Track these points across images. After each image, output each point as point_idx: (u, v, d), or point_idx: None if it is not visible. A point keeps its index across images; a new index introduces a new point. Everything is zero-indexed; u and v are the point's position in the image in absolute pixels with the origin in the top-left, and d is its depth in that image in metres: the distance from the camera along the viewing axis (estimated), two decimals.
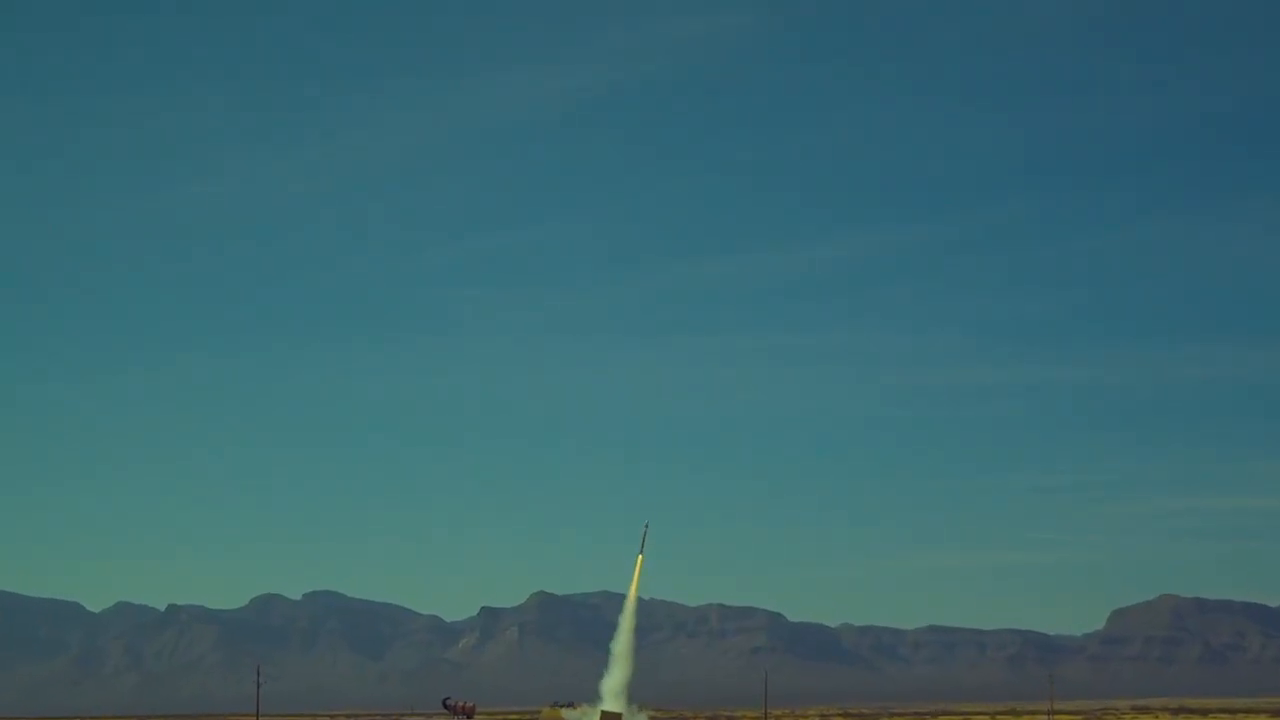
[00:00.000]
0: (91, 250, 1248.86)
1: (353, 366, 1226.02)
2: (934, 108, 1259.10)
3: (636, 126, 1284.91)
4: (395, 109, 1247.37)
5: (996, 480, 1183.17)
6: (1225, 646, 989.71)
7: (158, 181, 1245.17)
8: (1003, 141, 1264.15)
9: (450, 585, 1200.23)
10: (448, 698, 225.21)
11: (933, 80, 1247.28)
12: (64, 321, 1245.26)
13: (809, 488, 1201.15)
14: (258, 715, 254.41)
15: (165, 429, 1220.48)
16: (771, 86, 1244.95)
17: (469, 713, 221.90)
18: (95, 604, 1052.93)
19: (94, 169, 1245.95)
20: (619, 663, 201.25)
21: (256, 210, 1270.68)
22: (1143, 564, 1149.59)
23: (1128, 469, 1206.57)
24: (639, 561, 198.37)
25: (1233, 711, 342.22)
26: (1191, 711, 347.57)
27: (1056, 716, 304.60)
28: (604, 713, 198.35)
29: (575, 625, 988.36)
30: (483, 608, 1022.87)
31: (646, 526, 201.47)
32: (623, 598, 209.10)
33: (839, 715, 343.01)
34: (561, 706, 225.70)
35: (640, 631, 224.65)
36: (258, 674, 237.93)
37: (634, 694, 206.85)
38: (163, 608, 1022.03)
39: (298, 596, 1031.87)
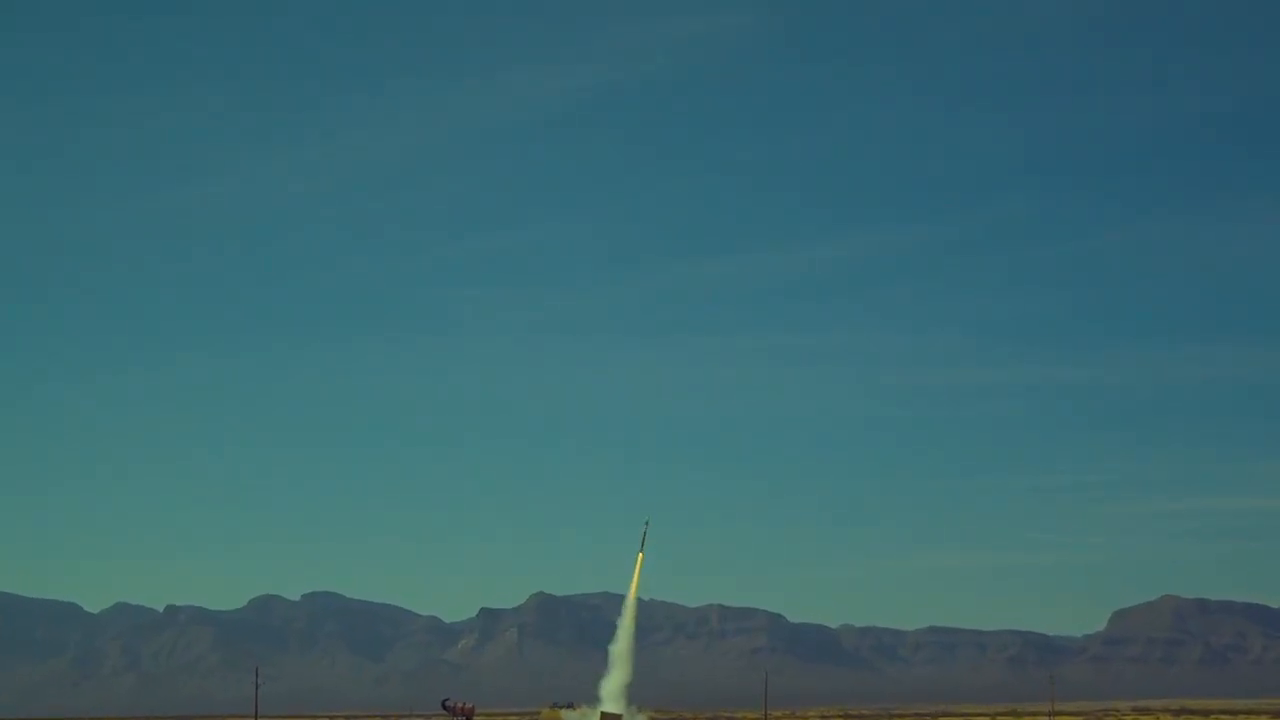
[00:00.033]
0: (91, 250, 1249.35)
1: (352, 366, 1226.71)
2: (934, 108, 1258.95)
3: (636, 126, 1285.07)
4: (395, 109, 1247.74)
5: (997, 480, 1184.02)
6: (1227, 647, 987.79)
7: (158, 181, 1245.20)
8: (1003, 141, 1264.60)
9: (449, 586, 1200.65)
10: (447, 699, 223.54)
11: (933, 80, 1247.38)
12: (64, 321, 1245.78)
13: (809, 488, 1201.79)
14: (256, 716, 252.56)
15: (164, 429, 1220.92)
16: (771, 86, 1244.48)
17: (468, 714, 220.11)
18: (93, 605, 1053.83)
19: (94, 169, 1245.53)
20: (618, 665, 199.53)
21: (256, 210, 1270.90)
22: (1144, 565, 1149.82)
23: (1128, 469, 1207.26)
24: (639, 559, 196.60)
25: (1234, 713, 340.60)
26: (1193, 713, 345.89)
27: (1057, 718, 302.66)
28: (604, 714, 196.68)
29: (575, 626, 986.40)
30: (482, 609, 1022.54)
31: (647, 524, 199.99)
32: (622, 599, 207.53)
33: (839, 716, 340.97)
34: (561, 707, 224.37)
35: (640, 632, 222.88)
36: (256, 675, 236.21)
37: (634, 695, 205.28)
38: (161, 608, 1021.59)
39: (296, 597, 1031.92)
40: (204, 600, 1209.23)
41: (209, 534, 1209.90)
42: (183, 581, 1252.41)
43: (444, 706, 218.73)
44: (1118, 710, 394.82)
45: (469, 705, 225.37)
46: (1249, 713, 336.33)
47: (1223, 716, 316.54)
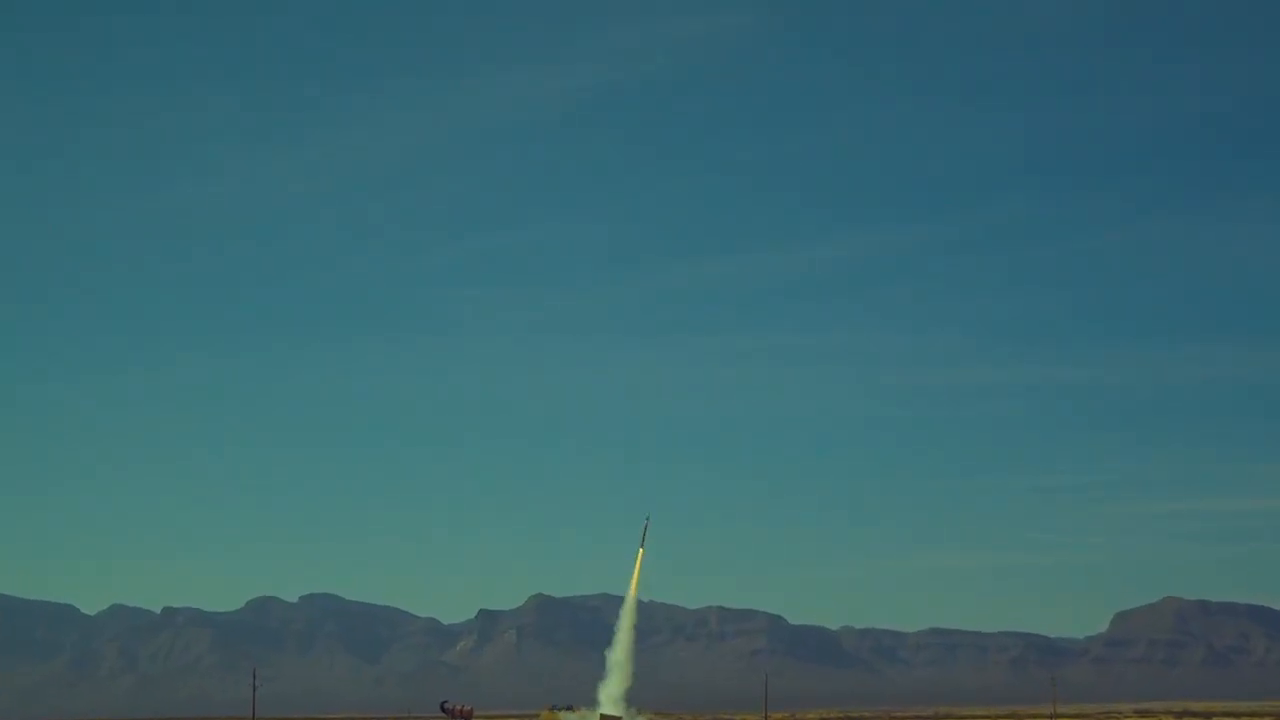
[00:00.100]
0: (91, 250, 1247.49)
1: (351, 366, 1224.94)
2: (934, 107, 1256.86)
3: (636, 126, 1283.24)
4: (395, 109, 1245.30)
5: (997, 481, 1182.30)
6: (1229, 649, 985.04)
7: (158, 181, 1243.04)
8: (1003, 141, 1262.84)
9: (448, 587, 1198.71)
10: (445, 701, 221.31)
11: (933, 80, 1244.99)
12: (62, 321, 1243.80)
13: (809, 489, 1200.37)
14: (254, 718, 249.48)
15: (162, 430, 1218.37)
16: (771, 86, 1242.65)
17: (467, 716, 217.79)
18: (90, 606, 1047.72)
19: (94, 169, 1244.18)
20: (617, 671, 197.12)
21: (256, 210, 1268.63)
22: (1145, 566, 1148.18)
23: (1129, 470, 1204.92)
24: (639, 555, 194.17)
25: (1237, 715, 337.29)
26: (1195, 714, 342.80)
27: (1059, 719, 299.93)
28: (603, 716, 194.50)
29: (574, 628, 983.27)
30: (481, 610, 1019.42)
31: (648, 520, 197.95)
32: (622, 600, 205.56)
33: (840, 718, 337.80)
34: (560, 709, 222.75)
35: (639, 634, 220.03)
36: (254, 677, 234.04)
37: (633, 697, 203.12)
38: (158, 610, 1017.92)
39: (294, 599, 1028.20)
40: (201, 602, 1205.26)
41: (207, 535, 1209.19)
42: (180, 583, 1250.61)
43: (442, 708, 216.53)
44: (1120, 712, 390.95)
45: (467, 707, 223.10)
46: (1252, 715, 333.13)
47: (1225, 719, 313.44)
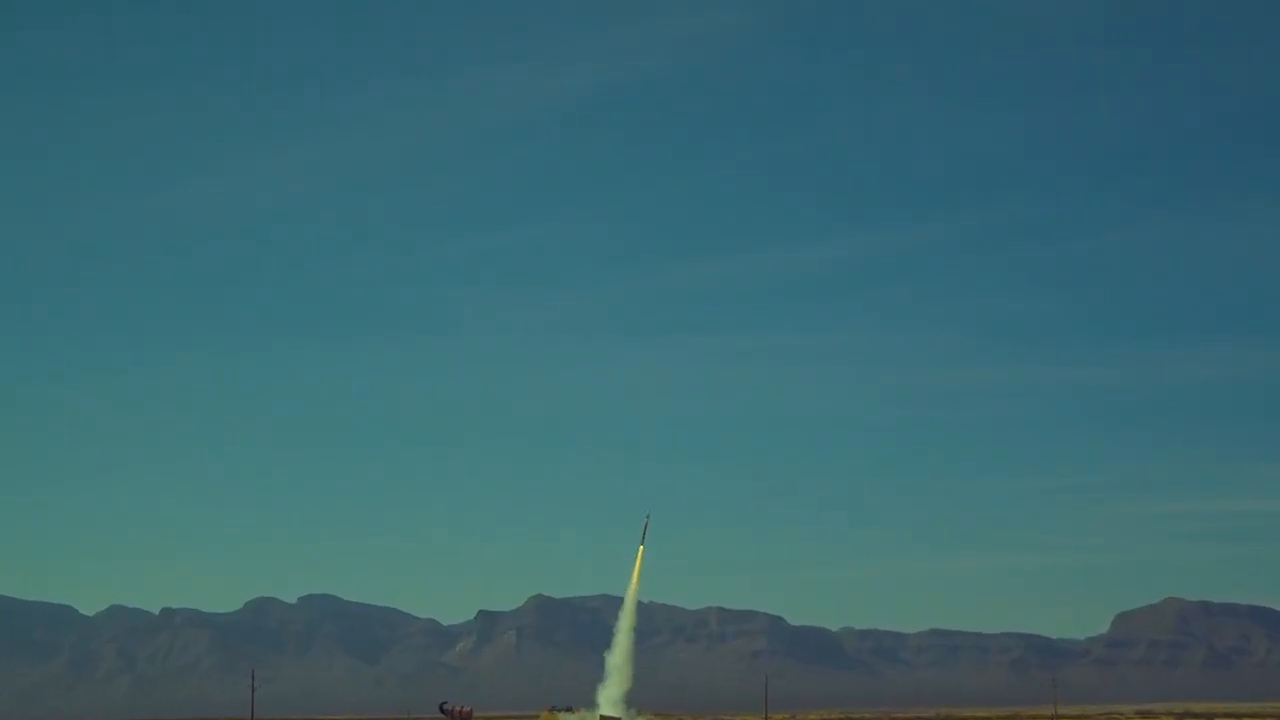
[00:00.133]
0: (91, 250, 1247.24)
1: (351, 366, 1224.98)
2: (935, 107, 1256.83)
3: (636, 126, 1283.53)
4: (395, 109, 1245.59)
5: (998, 481, 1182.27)
6: (1231, 650, 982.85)
7: (158, 181, 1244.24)
8: (1003, 141, 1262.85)
9: (447, 588, 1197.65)
10: (444, 702, 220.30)
11: (933, 80, 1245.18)
12: (63, 321, 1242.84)
13: (809, 489, 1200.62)
14: (253, 719, 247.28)
15: (161, 430, 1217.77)
16: (771, 86, 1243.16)
17: (466, 717, 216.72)
18: (88, 607, 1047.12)
19: (94, 169, 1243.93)
20: (616, 674, 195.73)
21: (256, 210, 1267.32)
22: (1146, 567, 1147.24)
23: (1129, 470, 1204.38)
24: (640, 553, 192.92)
25: (1238, 716, 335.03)
26: (1197, 716, 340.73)
27: None
28: (602, 717, 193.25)
29: (574, 629, 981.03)
30: (480, 611, 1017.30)
31: (648, 518, 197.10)
32: (622, 601, 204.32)
33: (840, 719, 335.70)
34: (560, 711, 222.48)
35: (639, 635, 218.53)
36: (253, 678, 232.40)
37: (632, 698, 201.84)
38: (157, 611, 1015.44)
39: (293, 600, 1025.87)
40: (200, 603, 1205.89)
41: (205, 536, 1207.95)
42: (178, 584, 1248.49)
43: (442, 710, 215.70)
44: (1121, 713, 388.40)
45: (467, 708, 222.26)
46: (1253, 716, 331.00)
47: None
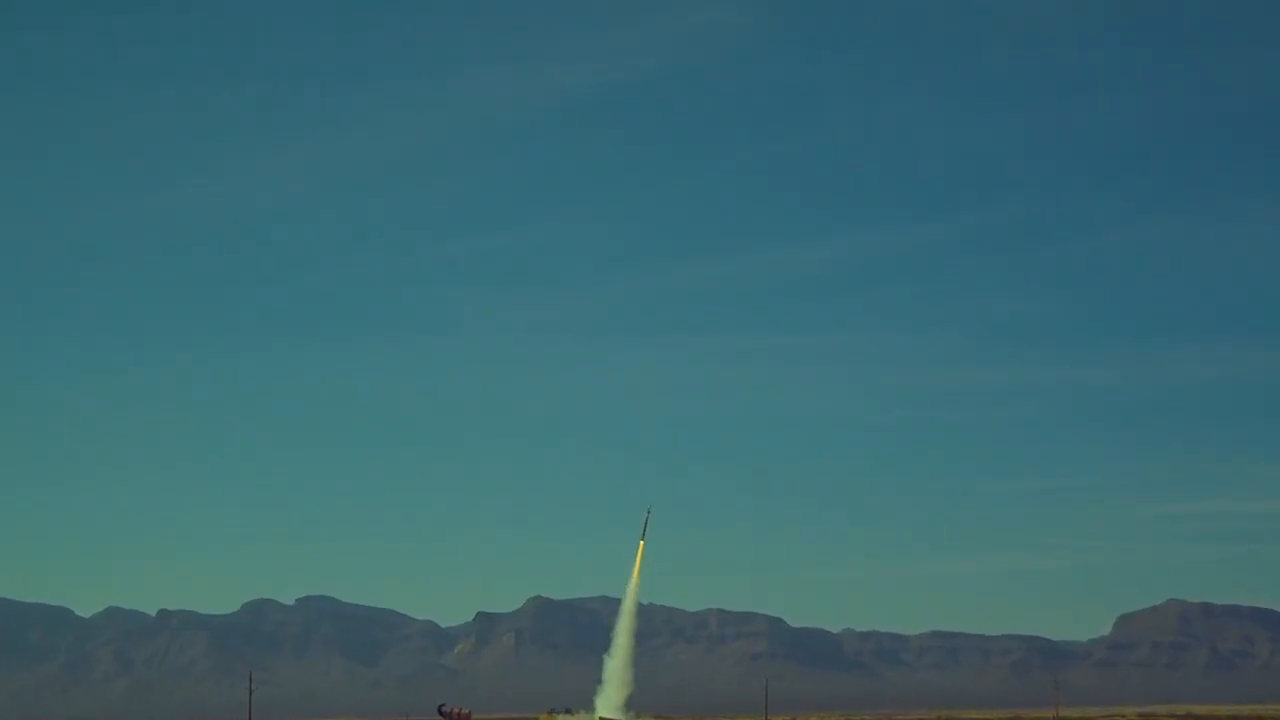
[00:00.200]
0: (91, 250, 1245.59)
1: (350, 367, 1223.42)
2: (934, 107, 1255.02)
3: (636, 126, 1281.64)
4: (395, 109, 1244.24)
5: (998, 482, 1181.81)
6: (1233, 652, 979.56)
7: (158, 181, 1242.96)
8: (1003, 141, 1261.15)
9: (446, 590, 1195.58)
10: (443, 704, 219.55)
11: (933, 79, 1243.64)
12: (63, 321, 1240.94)
13: (809, 490, 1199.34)
14: None
15: (158, 430, 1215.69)
16: (771, 86, 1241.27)
17: (464, 719, 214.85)
18: (85, 609, 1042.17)
19: (94, 169, 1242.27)
20: (615, 680, 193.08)
21: (256, 210, 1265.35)
22: (1148, 568, 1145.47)
23: (1130, 471, 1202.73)
24: (640, 548, 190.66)
25: (1241, 718, 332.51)
26: (1199, 718, 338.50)
27: None
28: (602, 719, 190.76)
29: (573, 630, 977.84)
30: (478, 613, 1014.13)
31: (649, 513, 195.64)
32: (622, 603, 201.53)
33: None
34: (559, 713, 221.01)
35: (638, 637, 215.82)
36: (250, 680, 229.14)
37: (632, 700, 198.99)
38: (153, 613, 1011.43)
39: (290, 601, 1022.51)
40: (197, 604, 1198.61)
41: (202, 537, 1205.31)
42: (175, 586, 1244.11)
43: (440, 712, 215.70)
44: (1123, 715, 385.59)
45: (465, 710, 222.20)
46: (1256, 718, 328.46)
47: None
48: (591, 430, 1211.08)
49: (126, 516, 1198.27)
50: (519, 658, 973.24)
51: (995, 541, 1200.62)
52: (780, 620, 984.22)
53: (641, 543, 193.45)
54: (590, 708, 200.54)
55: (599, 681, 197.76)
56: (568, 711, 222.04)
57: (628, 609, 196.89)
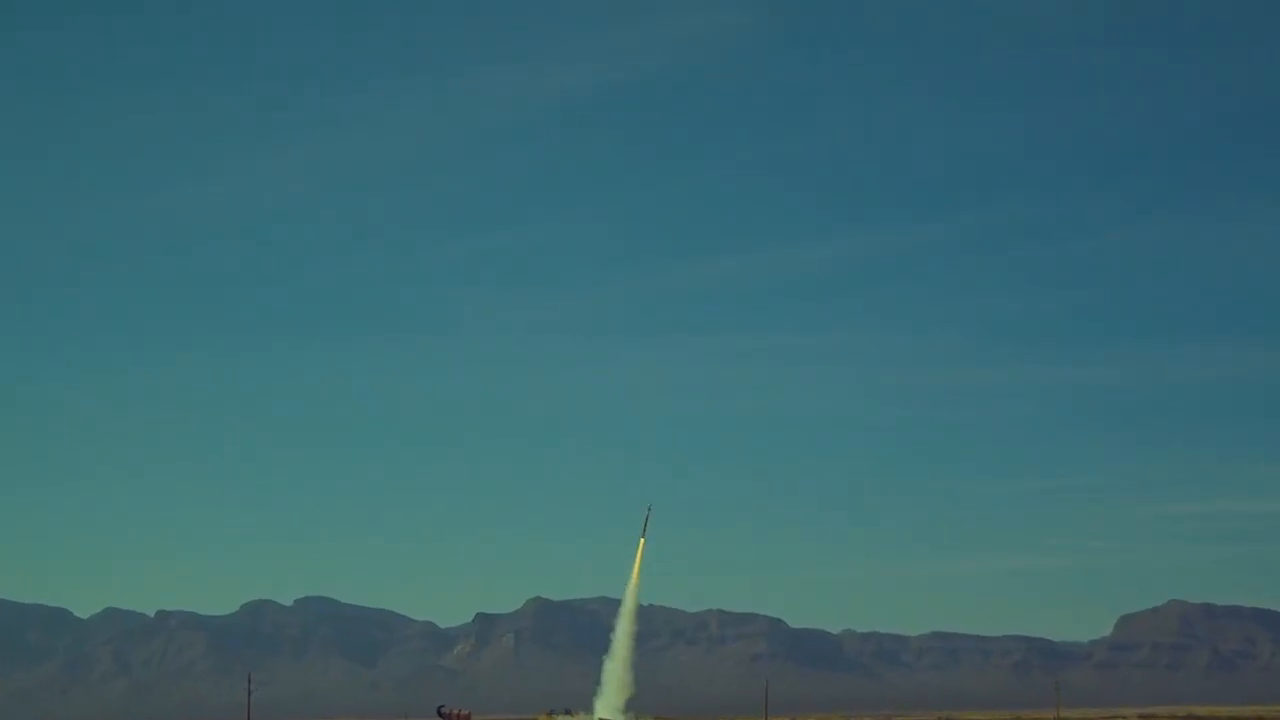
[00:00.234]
0: (91, 250, 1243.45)
1: (350, 367, 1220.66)
2: (934, 107, 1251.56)
3: (636, 126, 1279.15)
4: (395, 109, 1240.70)
5: (999, 482, 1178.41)
6: (1234, 653, 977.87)
7: (158, 181, 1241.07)
8: (1003, 141, 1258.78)
9: (445, 590, 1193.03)
10: (442, 705, 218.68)
11: (933, 79, 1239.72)
12: (63, 321, 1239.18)
13: (809, 490, 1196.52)
14: None
15: (157, 430, 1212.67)
16: (771, 85, 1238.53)
17: None
18: (83, 610, 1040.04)
19: (94, 169, 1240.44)
20: (615, 683, 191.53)
21: (256, 210, 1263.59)
22: (1149, 569, 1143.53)
23: (1130, 471, 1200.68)
24: (641, 545, 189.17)
25: (1242, 719, 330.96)
26: (1200, 719, 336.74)
27: None
28: None
29: (573, 631, 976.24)
30: (478, 614, 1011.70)
31: (649, 510, 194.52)
32: (622, 604, 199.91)
33: None
34: (558, 714, 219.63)
35: (638, 638, 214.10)
36: (248, 681, 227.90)
37: (631, 702, 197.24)
38: (152, 614, 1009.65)
39: (289, 602, 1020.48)
40: (195, 605, 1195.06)
41: (200, 538, 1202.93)
42: (174, 586, 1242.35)
43: (439, 713, 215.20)
44: (1124, 716, 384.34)
45: (464, 712, 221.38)
46: (1257, 719, 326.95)
47: None
48: (591, 430, 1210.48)
49: (125, 517, 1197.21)
50: (518, 659, 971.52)
51: (995, 541, 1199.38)
52: (780, 621, 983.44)
53: (642, 540, 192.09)
54: (590, 709, 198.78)
55: (598, 683, 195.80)
56: (567, 713, 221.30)
57: (627, 610, 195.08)
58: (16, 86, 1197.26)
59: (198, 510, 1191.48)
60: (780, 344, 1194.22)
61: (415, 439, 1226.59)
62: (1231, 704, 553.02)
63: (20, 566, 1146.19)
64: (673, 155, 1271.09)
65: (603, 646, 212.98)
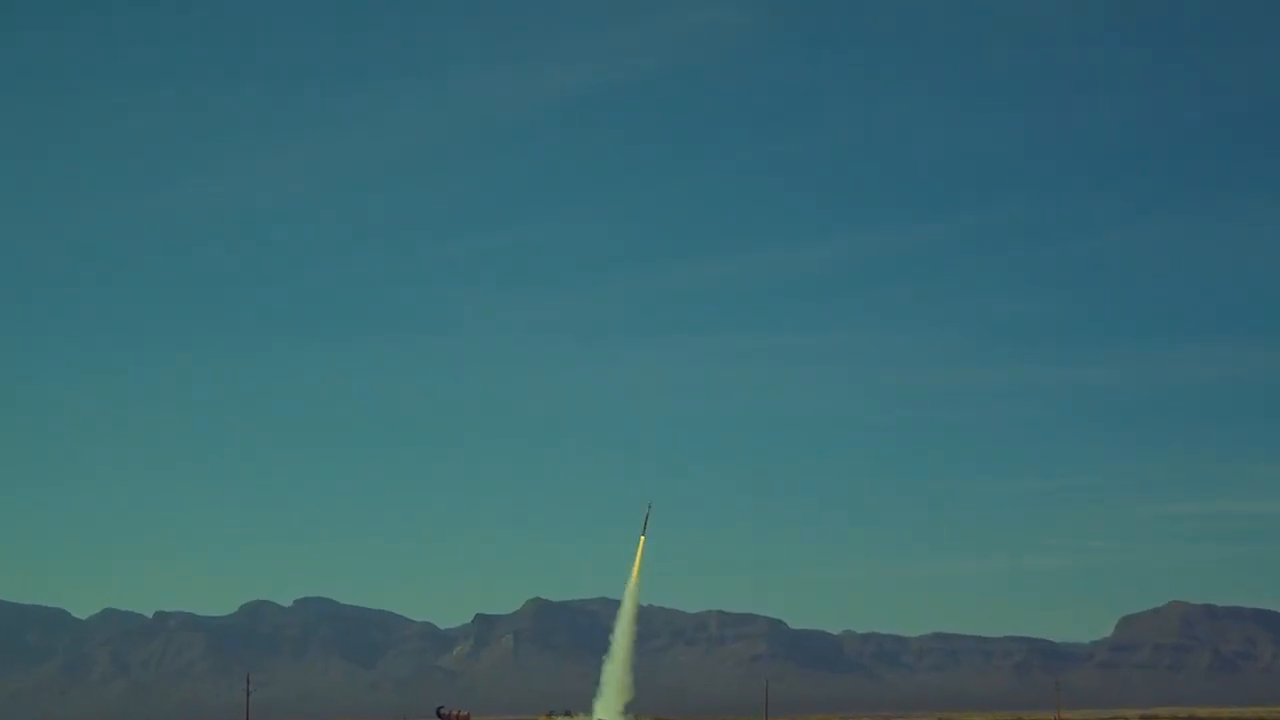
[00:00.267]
0: (91, 250, 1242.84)
1: (349, 367, 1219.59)
2: (934, 107, 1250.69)
3: (636, 126, 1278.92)
4: (395, 109, 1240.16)
5: (999, 482, 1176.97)
6: (1236, 654, 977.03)
7: (158, 181, 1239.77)
8: (1003, 141, 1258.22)
9: (444, 591, 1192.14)
10: (441, 706, 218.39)
11: (933, 79, 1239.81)
12: (63, 321, 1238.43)
13: (809, 491, 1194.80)
14: None
15: (156, 431, 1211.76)
16: (771, 85, 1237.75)
17: None
18: (82, 610, 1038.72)
19: (94, 169, 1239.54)
20: (614, 685, 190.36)
21: (256, 210, 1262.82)
22: (1150, 569, 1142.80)
23: (1131, 471, 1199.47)
24: (641, 543, 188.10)
25: None
26: None
27: None
28: None
29: (572, 632, 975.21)
30: (477, 614, 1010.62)
31: (649, 508, 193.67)
32: (621, 604, 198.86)
33: None
34: (558, 715, 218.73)
35: (638, 639, 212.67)
36: (247, 682, 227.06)
37: (631, 703, 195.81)
38: (150, 614, 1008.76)
39: (288, 603, 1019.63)
40: (194, 606, 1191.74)
41: (199, 539, 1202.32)
42: (172, 587, 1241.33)
43: (439, 714, 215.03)
44: (1125, 718, 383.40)
45: (464, 713, 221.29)
46: None
47: None
48: (591, 430, 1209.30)
49: (124, 517, 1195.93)
50: (518, 659, 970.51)
51: (995, 542, 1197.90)
52: (780, 622, 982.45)
53: (642, 538, 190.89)
54: (589, 710, 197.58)
55: (597, 684, 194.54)
56: (567, 714, 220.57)
57: (627, 610, 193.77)
58: (16, 86, 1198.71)
59: (197, 511, 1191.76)
60: (780, 344, 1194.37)
61: (415, 439, 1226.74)
62: (1233, 705, 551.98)
63: (19, 567, 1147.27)
64: (672, 155, 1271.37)
65: (602, 647, 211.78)
